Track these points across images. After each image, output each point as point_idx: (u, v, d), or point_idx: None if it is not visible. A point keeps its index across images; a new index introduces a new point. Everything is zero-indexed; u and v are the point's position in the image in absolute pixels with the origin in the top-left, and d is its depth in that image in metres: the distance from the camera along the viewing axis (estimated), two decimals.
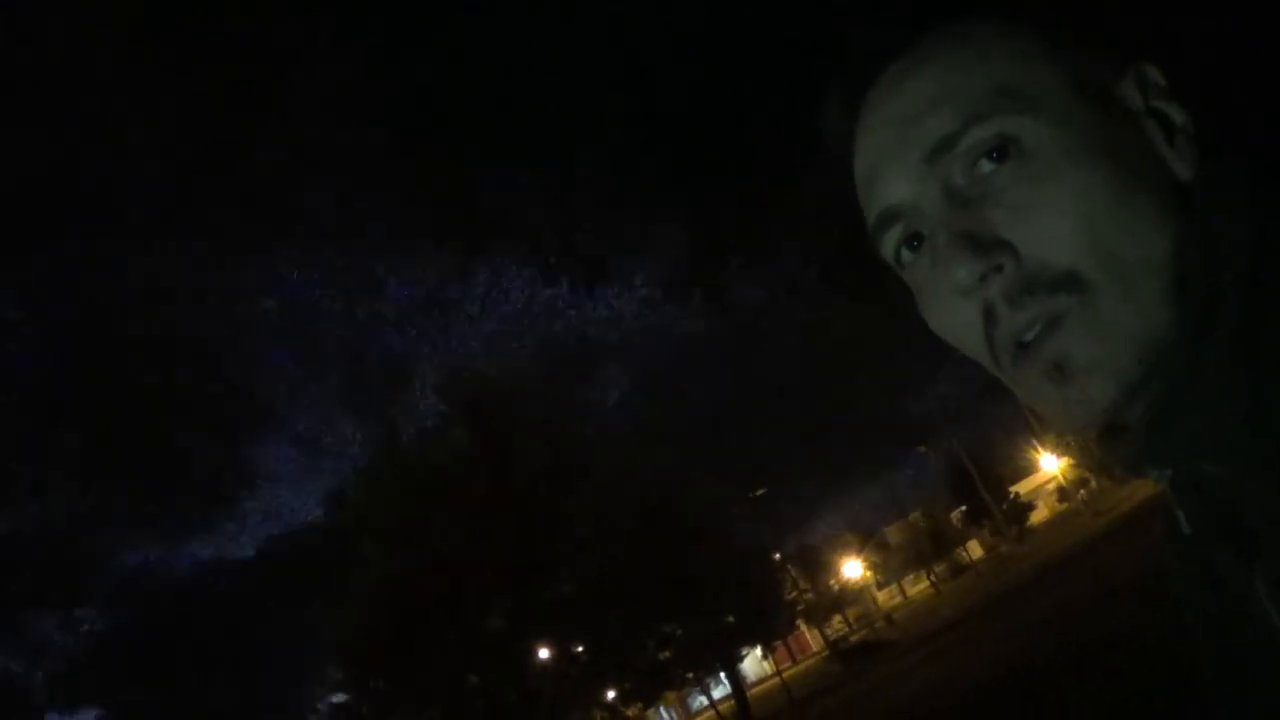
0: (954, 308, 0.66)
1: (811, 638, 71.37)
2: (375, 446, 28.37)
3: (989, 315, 0.65)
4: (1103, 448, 0.66)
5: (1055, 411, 0.65)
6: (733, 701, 33.28)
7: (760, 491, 45.97)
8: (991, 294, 0.64)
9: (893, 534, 67.95)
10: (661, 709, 65.05)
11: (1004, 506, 61.25)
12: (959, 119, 0.65)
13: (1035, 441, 59.23)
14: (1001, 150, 0.64)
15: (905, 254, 0.70)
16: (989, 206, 0.64)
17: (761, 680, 64.95)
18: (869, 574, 68.95)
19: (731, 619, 31.32)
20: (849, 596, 64.98)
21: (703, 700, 52.86)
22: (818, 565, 62.87)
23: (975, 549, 68.56)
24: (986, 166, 0.65)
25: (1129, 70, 0.68)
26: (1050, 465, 60.13)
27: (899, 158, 0.68)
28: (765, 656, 51.09)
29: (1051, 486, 66.03)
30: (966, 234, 0.64)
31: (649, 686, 31.48)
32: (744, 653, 36.55)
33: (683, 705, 73.07)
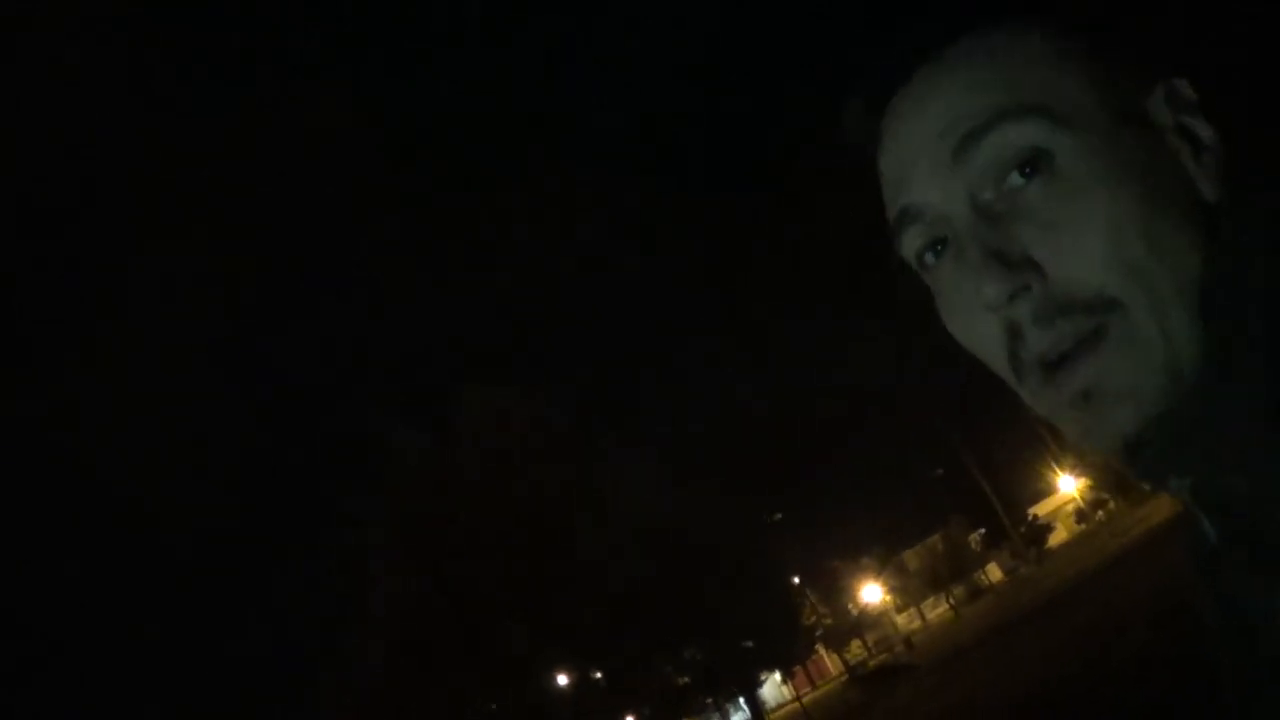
0: (977, 320, 0.67)
1: (830, 662, 70.76)
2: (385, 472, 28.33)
3: (1014, 333, 0.65)
4: (1124, 457, 0.66)
5: (1075, 433, 0.66)
6: None
7: (776, 516, 45.85)
8: (1018, 313, 0.64)
9: (911, 558, 67.41)
10: None
11: (1022, 529, 60.76)
12: (987, 114, 0.66)
13: (1053, 463, 58.91)
14: (1033, 164, 0.64)
15: (929, 257, 0.71)
16: (1018, 223, 0.65)
17: (780, 706, 64.45)
18: (888, 598, 68.43)
19: (749, 643, 31.18)
20: (868, 620, 64.49)
21: None
22: (836, 589, 62.39)
23: (994, 571, 68.01)
24: (1016, 180, 0.65)
25: (1158, 85, 0.68)
26: (1068, 487, 59.68)
27: (928, 154, 0.68)
28: (784, 681, 50.77)
29: (1070, 508, 65.54)
30: (996, 251, 0.64)
31: (668, 712, 31.33)
32: (763, 678, 36.35)
33: None
